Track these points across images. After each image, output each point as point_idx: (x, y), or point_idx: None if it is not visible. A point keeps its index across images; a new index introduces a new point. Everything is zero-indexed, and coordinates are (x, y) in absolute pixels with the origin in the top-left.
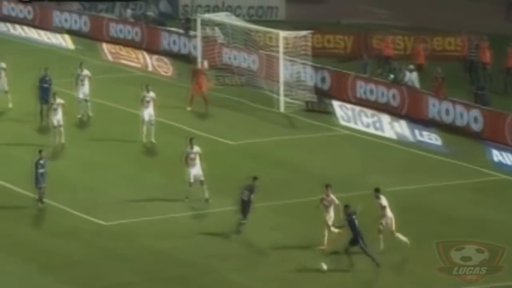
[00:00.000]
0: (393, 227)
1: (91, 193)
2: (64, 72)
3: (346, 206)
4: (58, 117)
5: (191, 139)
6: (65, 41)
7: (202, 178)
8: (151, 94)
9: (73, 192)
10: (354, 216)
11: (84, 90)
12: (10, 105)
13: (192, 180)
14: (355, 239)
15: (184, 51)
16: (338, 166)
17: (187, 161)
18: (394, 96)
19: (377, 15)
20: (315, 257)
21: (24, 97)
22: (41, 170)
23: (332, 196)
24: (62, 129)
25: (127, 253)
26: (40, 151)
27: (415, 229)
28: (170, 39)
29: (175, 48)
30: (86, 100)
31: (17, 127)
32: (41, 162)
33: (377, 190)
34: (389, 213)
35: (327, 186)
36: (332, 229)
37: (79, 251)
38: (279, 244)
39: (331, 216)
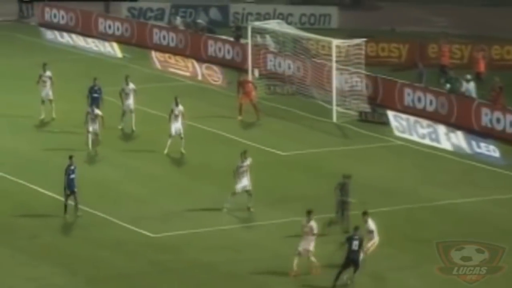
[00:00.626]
0: (369, 250)
1: (138, 204)
2: (112, 81)
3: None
4: (95, 127)
5: (244, 152)
6: (113, 49)
7: (249, 188)
8: (180, 107)
9: (120, 203)
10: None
11: (129, 102)
12: (54, 115)
13: (239, 191)
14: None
15: (229, 57)
16: (392, 178)
17: (237, 174)
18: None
19: (433, 22)
20: (369, 273)
21: (70, 106)
22: (72, 176)
23: (312, 223)
24: (98, 137)
25: (175, 266)
26: (70, 157)
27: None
28: (216, 46)
29: (220, 55)
30: (131, 111)
31: (62, 137)
32: (72, 167)
33: (365, 213)
34: (376, 237)
35: (308, 212)
36: (312, 259)
37: (126, 264)
38: (334, 260)
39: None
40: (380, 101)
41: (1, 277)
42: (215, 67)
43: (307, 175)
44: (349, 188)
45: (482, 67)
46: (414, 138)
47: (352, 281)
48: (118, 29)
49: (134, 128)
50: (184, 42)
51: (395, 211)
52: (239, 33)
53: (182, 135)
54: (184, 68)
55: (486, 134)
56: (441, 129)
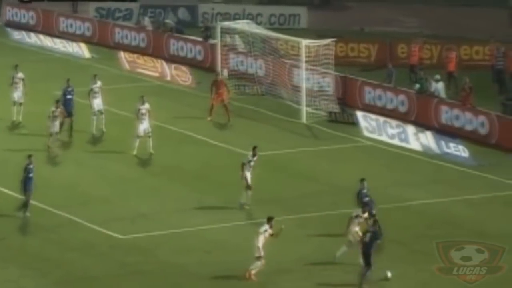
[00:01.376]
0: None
1: (107, 206)
2: (81, 81)
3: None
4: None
5: (254, 147)
6: (81, 49)
7: (250, 183)
8: (147, 106)
9: (89, 205)
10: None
11: (98, 102)
12: (20, 119)
13: (250, 183)
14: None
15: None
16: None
17: (247, 167)
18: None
19: (402, 23)
20: (341, 271)
21: (38, 108)
22: (30, 175)
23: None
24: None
25: (145, 268)
26: (29, 156)
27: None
28: (178, 45)
29: (182, 54)
30: (101, 112)
31: (31, 138)
32: (30, 166)
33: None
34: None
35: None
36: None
37: (96, 266)
38: (303, 258)
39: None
40: (342, 99)
41: None
42: (184, 68)
43: (277, 176)
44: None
45: (453, 66)
46: (383, 138)
47: (364, 277)
48: (80, 28)
49: (104, 129)
50: (146, 41)
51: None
52: (208, 33)
53: (150, 134)
54: (153, 68)
55: (446, 131)
56: (410, 129)
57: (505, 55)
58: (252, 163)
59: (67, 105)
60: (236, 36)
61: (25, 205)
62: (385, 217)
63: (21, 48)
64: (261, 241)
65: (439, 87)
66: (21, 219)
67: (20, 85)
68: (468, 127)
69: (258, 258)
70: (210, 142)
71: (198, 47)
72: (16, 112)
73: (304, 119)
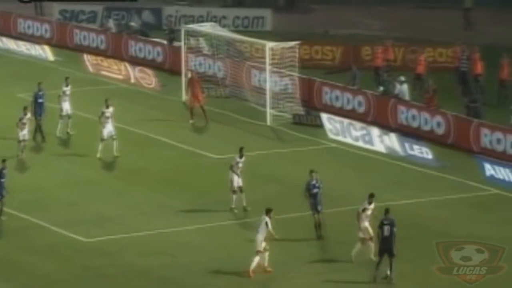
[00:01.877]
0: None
1: (72, 209)
2: (45, 85)
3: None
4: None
5: (241, 149)
6: (44, 52)
7: (241, 184)
8: (111, 109)
9: (53, 208)
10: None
11: (68, 105)
12: None
13: (236, 188)
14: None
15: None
16: (327, 181)
17: (234, 169)
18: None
19: (366, 25)
20: (305, 273)
21: (2, 111)
22: (2, 180)
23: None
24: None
25: (109, 271)
26: (3, 161)
27: (409, 247)
28: (136, 46)
29: (141, 55)
30: (69, 117)
31: None
32: (4, 171)
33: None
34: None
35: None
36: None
37: (60, 269)
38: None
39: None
40: (307, 101)
41: None
42: (148, 70)
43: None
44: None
45: (422, 68)
46: (348, 140)
47: (392, 271)
48: (38, 30)
49: (72, 132)
50: (106, 42)
51: (330, 213)
52: (172, 36)
53: (115, 137)
54: (117, 71)
55: (405, 132)
56: (375, 131)
57: (470, 57)
58: (240, 165)
59: (38, 109)
60: (201, 38)
61: (0, 211)
62: (349, 219)
63: None
64: (263, 235)
65: (403, 89)
66: None
67: None
68: (425, 128)
69: (259, 252)
70: (174, 144)
71: (157, 49)
72: None
73: (268, 122)
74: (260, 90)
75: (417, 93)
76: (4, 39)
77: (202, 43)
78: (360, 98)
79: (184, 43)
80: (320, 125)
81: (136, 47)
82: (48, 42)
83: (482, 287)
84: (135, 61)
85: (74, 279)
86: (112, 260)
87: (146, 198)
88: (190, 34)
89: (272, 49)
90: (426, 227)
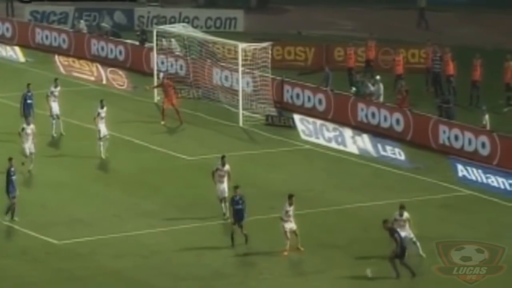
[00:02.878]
0: None
1: (43, 211)
2: (16, 86)
3: (385, 221)
4: (31, 146)
5: (223, 157)
6: (15, 53)
7: (225, 195)
8: (105, 109)
9: (24, 210)
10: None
11: (56, 106)
12: None
13: (221, 197)
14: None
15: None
16: (299, 182)
17: (216, 177)
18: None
19: (339, 26)
20: (277, 276)
21: None
22: (13, 177)
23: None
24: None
25: (81, 273)
26: (10, 159)
27: (379, 248)
28: (98, 45)
29: (103, 54)
30: (58, 116)
31: None
32: (12, 169)
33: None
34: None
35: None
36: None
37: (31, 272)
38: (239, 263)
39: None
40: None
41: None
42: (120, 72)
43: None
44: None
45: (401, 68)
46: (321, 141)
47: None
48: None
49: (63, 132)
50: (68, 42)
51: (303, 215)
52: (144, 37)
53: (108, 137)
54: (89, 72)
55: (361, 129)
56: (347, 132)
57: (442, 58)
58: (221, 173)
59: (27, 109)
60: (173, 39)
61: (10, 209)
62: (321, 220)
63: None
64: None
65: (377, 89)
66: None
67: None
68: (384, 125)
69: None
70: (147, 146)
71: (120, 48)
72: None
73: (241, 123)
74: (232, 91)
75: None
76: None
77: (174, 44)
78: (320, 96)
79: (156, 44)
80: (293, 126)
81: (98, 46)
82: (9, 43)
83: (482, 287)
84: (97, 60)
85: (45, 282)
86: (84, 262)
87: (118, 200)
88: (162, 35)
89: (244, 50)
90: None
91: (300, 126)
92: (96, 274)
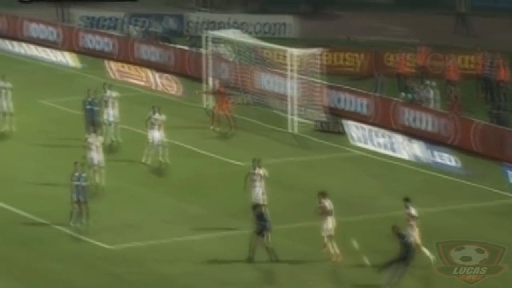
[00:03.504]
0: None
1: (96, 216)
2: (67, 91)
3: (394, 227)
4: (99, 158)
5: (255, 160)
6: (66, 59)
7: (259, 202)
8: (157, 116)
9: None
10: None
11: (112, 112)
12: (14, 128)
13: (254, 201)
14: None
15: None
16: (350, 188)
17: (248, 181)
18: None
19: (390, 32)
20: (328, 282)
21: (29, 118)
22: (76, 183)
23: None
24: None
25: (133, 279)
26: (75, 163)
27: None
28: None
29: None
30: (116, 123)
31: (19, 147)
32: (76, 174)
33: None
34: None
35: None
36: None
37: (83, 277)
38: (291, 269)
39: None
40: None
41: None
42: (173, 78)
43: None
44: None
45: (456, 74)
46: (371, 147)
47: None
48: (43, 32)
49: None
50: (113, 46)
51: (353, 222)
52: (194, 42)
53: (165, 144)
54: (139, 77)
55: (406, 133)
56: (398, 138)
57: (493, 64)
58: (254, 177)
59: (89, 116)
60: (223, 45)
61: (77, 214)
62: (372, 227)
63: (4, 57)
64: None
65: (430, 95)
66: (73, 228)
67: (9, 95)
68: (430, 129)
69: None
70: (197, 151)
71: (167, 52)
72: (6, 123)
73: (290, 129)
74: (282, 97)
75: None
76: (25, 46)
77: (224, 49)
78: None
79: (206, 50)
80: (343, 132)
81: (144, 50)
82: (54, 46)
83: (482, 287)
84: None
85: (96, 287)
86: (135, 268)
87: (169, 206)
88: (212, 40)
89: (294, 55)
90: (448, 235)
91: (350, 132)
92: (146, 280)
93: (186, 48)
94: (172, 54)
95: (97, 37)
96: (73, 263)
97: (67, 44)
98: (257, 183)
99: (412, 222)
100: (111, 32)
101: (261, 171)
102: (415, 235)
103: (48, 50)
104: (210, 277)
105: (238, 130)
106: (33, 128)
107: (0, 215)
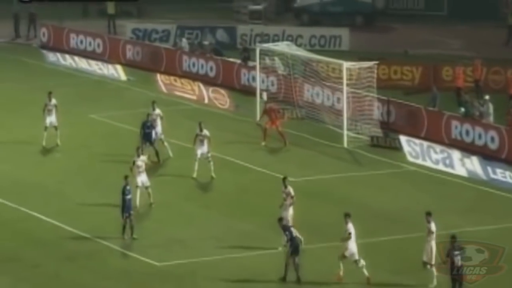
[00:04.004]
0: None
1: (143, 232)
2: (117, 104)
3: (453, 237)
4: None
5: (284, 178)
6: (116, 72)
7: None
8: (205, 132)
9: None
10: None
11: (158, 129)
12: (59, 142)
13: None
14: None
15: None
16: (404, 205)
17: (283, 204)
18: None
19: (447, 45)
20: None
21: (74, 131)
22: (128, 196)
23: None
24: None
25: None
26: (126, 177)
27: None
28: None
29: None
30: (161, 140)
31: (67, 162)
32: (128, 188)
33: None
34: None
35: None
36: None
37: None
38: (343, 285)
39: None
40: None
41: None
42: (222, 91)
43: (317, 202)
44: None
45: None
46: (428, 163)
47: None
48: (90, 44)
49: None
50: (141, 55)
51: (408, 239)
52: (246, 54)
53: (210, 158)
54: (191, 91)
55: (464, 148)
56: (456, 154)
57: None
58: (283, 195)
59: (146, 138)
60: (276, 58)
61: (128, 227)
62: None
63: (56, 70)
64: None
65: (484, 109)
66: (124, 241)
67: (53, 112)
68: (478, 142)
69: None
70: (248, 166)
71: (210, 64)
72: (50, 137)
73: (345, 144)
74: (336, 111)
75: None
76: (76, 59)
77: (277, 62)
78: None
79: (259, 63)
80: (399, 148)
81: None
82: (99, 57)
83: (482, 287)
84: (188, 76)
85: None
86: (184, 285)
87: (218, 221)
88: (265, 53)
89: (349, 69)
90: (506, 255)
91: (406, 147)
92: None
93: (237, 61)
94: (220, 67)
95: (145, 50)
96: (121, 279)
97: (113, 56)
98: (286, 202)
99: (429, 238)
100: (157, 44)
101: (288, 190)
102: (429, 250)
103: (99, 63)
104: None
105: (290, 145)
106: (81, 143)
107: (48, 230)
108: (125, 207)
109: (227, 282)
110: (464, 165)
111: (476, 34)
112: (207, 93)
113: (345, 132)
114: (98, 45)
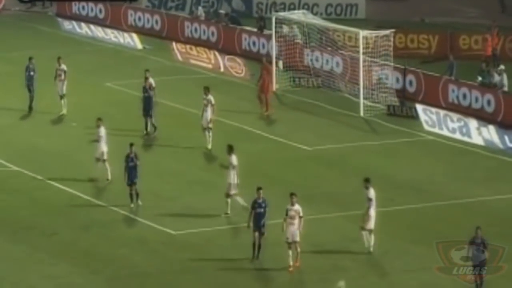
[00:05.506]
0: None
1: (160, 201)
2: (133, 73)
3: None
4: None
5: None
6: (132, 40)
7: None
8: (209, 97)
9: (143, 201)
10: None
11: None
12: (64, 111)
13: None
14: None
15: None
16: (421, 174)
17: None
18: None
19: (464, 13)
20: (398, 271)
21: (89, 100)
22: (131, 164)
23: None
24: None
25: (196, 264)
26: (131, 144)
27: (503, 243)
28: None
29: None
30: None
31: (83, 131)
32: (131, 156)
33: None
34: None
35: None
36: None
37: (147, 262)
38: (357, 257)
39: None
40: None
41: (19, 275)
42: (238, 59)
43: (333, 171)
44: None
45: None
46: (444, 132)
47: None
48: (143, 20)
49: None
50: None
51: (424, 208)
52: (262, 23)
53: (210, 127)
54: (206, 60)
55: (481, 117)
56: (473, 123)
57: None
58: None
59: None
60: (295, 26)
61: (134, 194)
62: (442, 214)
63: (72, 39)
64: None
65: (502, 79)
66: (132, 208)
67: (62, 77)
68: (475, 106)
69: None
70: (264, 135)
71: (212, 29)
72: (68, 104)
73: (362, 113)
74: (354, 80)
75: None
76: (92, 27)
77: (293, 31)
78: (411, 77)
79: (275, 31)
80: (416, 117)
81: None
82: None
83: (482, 287)
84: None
85: (161, 272)
86: (200, 254)
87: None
88: (281, 22)
89: (365, 37)
90: None
91: (423, 116)
92: (211, 266)
93: (253, 29)
94: (234, 35)
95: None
96: (137, 248)
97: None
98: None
99: (367, 204)
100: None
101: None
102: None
103: (116, 32)
104: (277, 262)
105: (307, 114)
106: (97, 111)
107: (65, 198)
108: (130, 174)
109: (242, 251)
110: (481, 134)
111: (493, 3)
112: (223, 62)
113: (362, 101)
114: (100, 10)
